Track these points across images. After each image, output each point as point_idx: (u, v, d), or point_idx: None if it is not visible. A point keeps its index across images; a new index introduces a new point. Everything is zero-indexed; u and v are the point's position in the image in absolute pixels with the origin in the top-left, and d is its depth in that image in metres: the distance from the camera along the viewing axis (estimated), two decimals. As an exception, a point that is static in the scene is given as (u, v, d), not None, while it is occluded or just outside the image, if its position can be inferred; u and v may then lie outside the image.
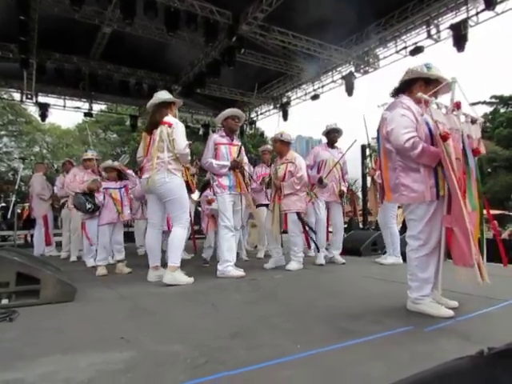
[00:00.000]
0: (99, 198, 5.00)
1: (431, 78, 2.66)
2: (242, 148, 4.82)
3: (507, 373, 1.17)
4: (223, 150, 4.62)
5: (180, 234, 4.04)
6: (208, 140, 4.80)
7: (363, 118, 5.77)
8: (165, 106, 4.20)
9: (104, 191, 5.05)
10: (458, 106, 2.54)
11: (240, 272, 4.41)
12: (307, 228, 5.09)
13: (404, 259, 5.19)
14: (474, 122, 2.68)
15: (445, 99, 2.65)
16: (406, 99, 2.66)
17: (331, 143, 5.65)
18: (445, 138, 2.32)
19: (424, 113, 2.52)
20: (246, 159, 4.89)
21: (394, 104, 2.69)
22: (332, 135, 5.64)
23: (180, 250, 4.06)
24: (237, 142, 4.81)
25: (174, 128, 4.04)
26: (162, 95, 4.27)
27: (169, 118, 4.10)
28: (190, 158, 4.20)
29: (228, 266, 4.39)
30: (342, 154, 5.59)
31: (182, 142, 4.00)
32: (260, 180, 6.27)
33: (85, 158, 6.19)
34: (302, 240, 5.03)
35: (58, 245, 7.67)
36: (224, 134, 4.75)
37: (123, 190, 5.17)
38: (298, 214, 4.95)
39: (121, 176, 5.23)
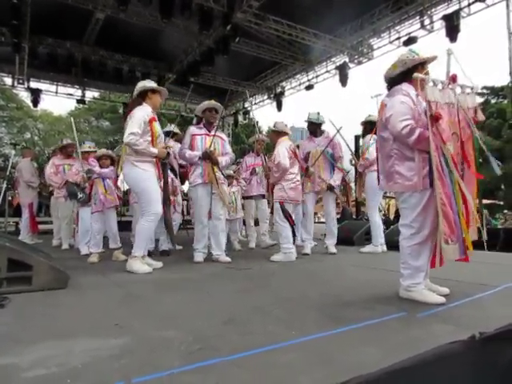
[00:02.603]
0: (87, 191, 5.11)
1: (431, 60, 2.70)
2: (222, 140, 4.84)
3: (498, 356, 1.19)
4: (198, 141, 4.70)
5: (141, 226, 4.00)
6: (186, 132, 4.88)
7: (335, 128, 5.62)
8: (143, 95, 4.12)
9: (91, 182, 5.11)
10: (453, 79, 2.53)
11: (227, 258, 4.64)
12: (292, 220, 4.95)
13: (391, 248, 5.35)
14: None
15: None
16: (406, 86, 2.66)
17: (311, 133, 5.66)
18: (437, 118, 2.36)
19: (421, 97, 2.54)
20: (228, 150, 4.88)
21: (395, 91, 2.70)
22: (309, 127, 5.64)
23: (141, 242, 4.00)
24: (218, 133, 4.80)
25: (130, 117, 3.94)
26: (141, 84, 4.19)
27: (135, 109, 3.99)
28: (140, 147, 3.86)
29: (196, 252, 4.68)
30: (327, 138, 5.47)
31: (126, 131, 3.86)
32: (250, 170, 6.25)
33: (83, 151, 6.10)
34: (286, 230, 4.83)
35: (49, 233, 7.63)
36: (202, 125, 4.82)
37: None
38: (281, 203, 4.85)
39: (113, 163, 5.23)
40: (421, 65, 2.70)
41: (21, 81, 12.74)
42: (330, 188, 5.40)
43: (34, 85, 13.17)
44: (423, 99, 2.50)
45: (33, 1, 8.51)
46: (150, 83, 4.21)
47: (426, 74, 2.54)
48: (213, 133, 4.72)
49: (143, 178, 3.94)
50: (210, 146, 4.60)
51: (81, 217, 5.63)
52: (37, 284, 2.92)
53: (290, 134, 5.23)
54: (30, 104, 14.32)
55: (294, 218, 5.03)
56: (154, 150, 3.99)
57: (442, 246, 2.39)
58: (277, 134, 5.11)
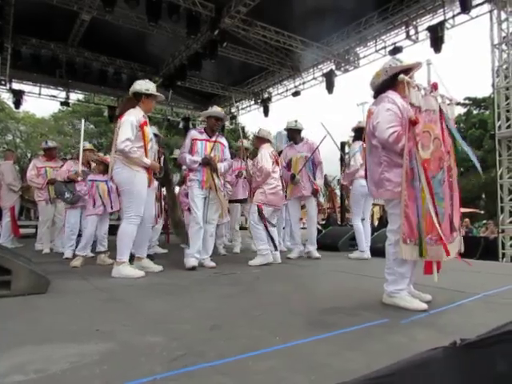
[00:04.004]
0: (80, 187, 4.94)
1: (415, 67, 2.72)
2: (223, 145, 4.80)
3: (479, 362, 1.21)
4: (199, 145, 4.64)
5: (123, 229, 3.91)
6: (187, 135, 4.86)
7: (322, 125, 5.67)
8: (137, 97, 4.02)
9: (90, 183, 4.99)
10: (435, 86, 2.60)
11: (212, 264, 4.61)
12: (267, 224, 4.95)
13: (374, 254, 5.43)
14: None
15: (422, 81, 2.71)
16: (392, 94, 2.69)
17: (291, 140, 5.76)
18: (414, 123, 2.41)
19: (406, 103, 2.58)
20: (227, 156, 4.86)
21: (381, 98, 2.73)
22: (289, 134, 5.77)
23: (125, 245, 3.89)
24: (219, 139, 4.76)
25: (122, 122, 3.85)
26: (138, 85, 4.06)
27: (127, 112, 3.90)
28: (134, 155, 3.81)
29: (188, 257, 4.45)
30: (307, 144, 5.59)
31: (120, 137, 3.76)
32: (236, 173, 6.31)
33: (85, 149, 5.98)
34: (262, 233, 4.89)
35: (31, 237, 7.49)
36: (203, 130, 4.78)
37: (111, 182, 5.10)
38: (259, 206, 4.90)
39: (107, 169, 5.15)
40: (403, 73, 2.70)
41: (3, 82, 12.50)
42: (314, 193, 5.48)
43: (16, 86, 12.97)
44: (407, 102, 2.53)
45: (17, 1, 8.39)
46: (147, 85, 4.07)
47: (411, 77, 2.58)
48: (214, 139, 4.68)
49: (132, 179, 3.87)
50: (211, 153, 4.58)
51: (68, 219, 5.54)
52: (16, 289, 2.86)
53: (273, 143, 5.37)
54: (12, 105, 14.04)
55: (274, 223, 5.10)
56: (147, 161, 3.94)
57: (400, 244, 2.48)
58: (260, 140, 5.27)
